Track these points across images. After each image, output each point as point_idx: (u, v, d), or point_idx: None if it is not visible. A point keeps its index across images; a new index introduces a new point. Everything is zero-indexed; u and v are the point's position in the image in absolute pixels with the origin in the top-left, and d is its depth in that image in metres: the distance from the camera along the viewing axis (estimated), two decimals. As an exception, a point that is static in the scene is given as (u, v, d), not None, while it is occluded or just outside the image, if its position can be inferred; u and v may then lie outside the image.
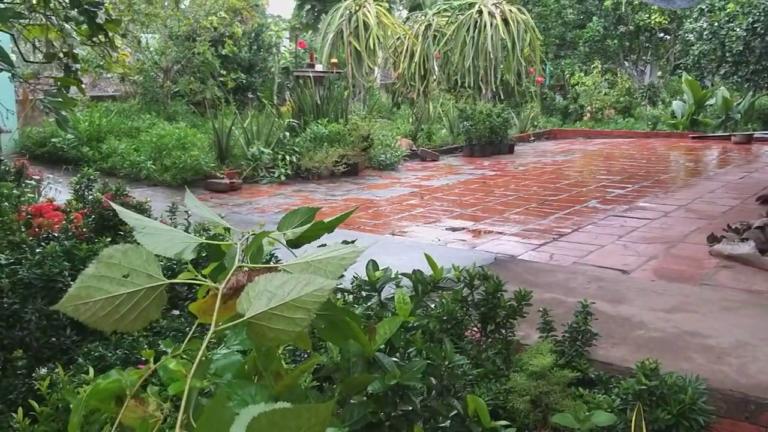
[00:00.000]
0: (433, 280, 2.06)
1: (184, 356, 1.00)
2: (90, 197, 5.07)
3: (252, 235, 1.06)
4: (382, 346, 2.05)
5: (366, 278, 2.06)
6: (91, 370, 2.30)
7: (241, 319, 0.86)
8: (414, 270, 2.11)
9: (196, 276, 0.93)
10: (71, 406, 2.07)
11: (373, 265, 2.03)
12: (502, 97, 16.75)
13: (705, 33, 18.59)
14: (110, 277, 0.84)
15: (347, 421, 1.37)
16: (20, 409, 2.12)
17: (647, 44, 22.01)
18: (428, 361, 2.16)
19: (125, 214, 1.02)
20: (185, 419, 0.79)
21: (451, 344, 2.19)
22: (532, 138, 15.84)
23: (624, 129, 17.12)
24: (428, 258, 2.05)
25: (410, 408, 2.18)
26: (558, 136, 16.84)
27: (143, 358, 2.14)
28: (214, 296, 0.90)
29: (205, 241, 1.04)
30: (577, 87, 19.90)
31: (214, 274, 1.03)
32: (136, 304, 0.87)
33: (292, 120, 10.72)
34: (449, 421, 2.28)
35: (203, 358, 0.80)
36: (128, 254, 0.87)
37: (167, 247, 0.98)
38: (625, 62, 22.21)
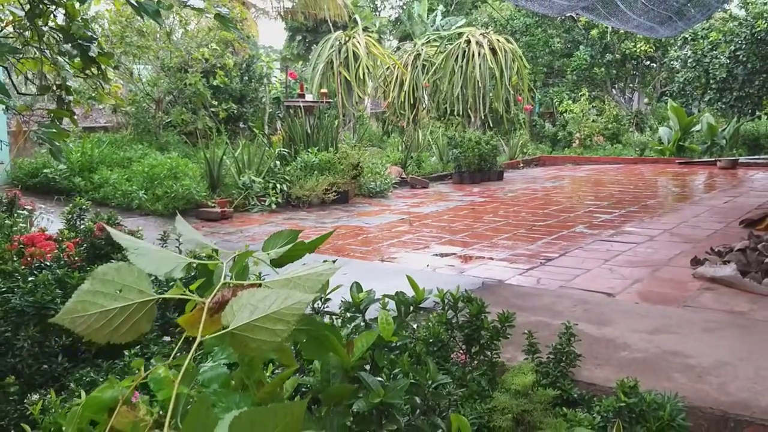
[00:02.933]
0: (416, 301, 2.13)
1: (173, 369, 1.06)
2: (82, 227, 5.13)
3: (237, 255, 1.13)
4: (367, 367, 2.11)
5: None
6: (83, 394, 2.34)
7: (225, 330, 0.93)
8: (397, 292, 2.18)
9: (184, 292, 1.00)
10: (63, 429, 2.12)
11: (357, 287, 2.10)
12: (491, 125, 16.95)
13: (689, 61, 18.96)
14: (104, 292, 0.91)
15: (328, 429, 1.43)
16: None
17: (634, 72, 22.37)
18: (412, 381, 2.22)
19: (119, 236, 1.09)
20: (173, 422, 0.85)
21: (434, 364, 2.25)
22: (522, 165, 16.01)
23: (612, 155, 17.33)
24: (410, 279, 2.13)
25: (395, 427, 2.24)
26: (547, 162, 17.03)
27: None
28: (200, 310, 0.97)
29: (194, 260, 1.12)
30: (565, 114, 20.17)
31: (201, 290, 1.10)
32: (129, 317, 0.94)
33: (282, 149, 10.83)
34: (435, 441, 2.34)
35: (190, 367, 0.87)
36: (121, 271, 0.94)
37: (158, 266, 1.05)
38: (613, 90, 22.54)
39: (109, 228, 1.08)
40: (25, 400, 2.78)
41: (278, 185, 9.81)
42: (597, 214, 8.43)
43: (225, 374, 1.10)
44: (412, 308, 2.12)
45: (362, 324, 2.17)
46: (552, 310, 4.13)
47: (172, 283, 1.07)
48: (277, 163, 10.34)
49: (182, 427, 0.84)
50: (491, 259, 5.99)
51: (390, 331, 2.06)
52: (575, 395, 2.86)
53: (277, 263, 1.21)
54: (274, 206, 9.48)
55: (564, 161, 17.09)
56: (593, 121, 19.50)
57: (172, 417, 0.85)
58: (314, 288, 1.03)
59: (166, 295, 0.97)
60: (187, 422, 0.82)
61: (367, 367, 2.14)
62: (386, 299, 2.21)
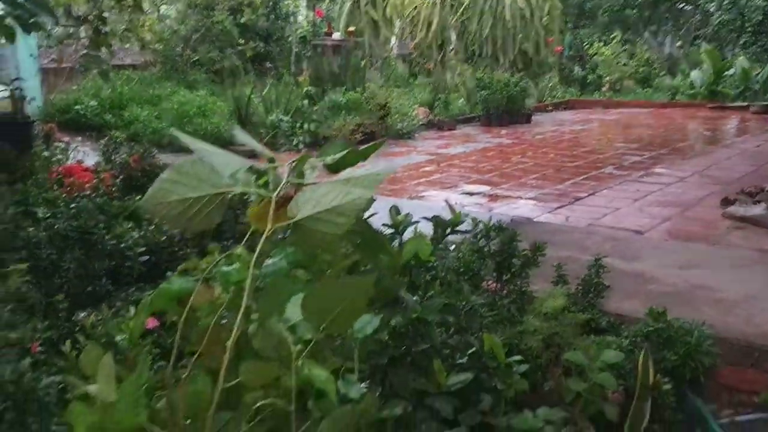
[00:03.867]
0: (453, 223, 2.19)
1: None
2: (117, 160, 5.23)
3: (297, 158, 1.19)
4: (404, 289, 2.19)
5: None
6: (132, 309, 2.45)
7: (291, 220, 0.99)
8: (434, 215, 2.24)
9: (252, 188, 1.06)
10: (116, 339, 2.23)
11: (395, 210, 2.16)
12: (520, 67, 16.67)
13: (725, 3, 18.37)
14: (182, 182, 0.98)
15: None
16: (68, 342, 2.28)
17: (667, 15, 21.76)
18: (446, 302, 2.30)
19: (187, 139, 1.15)
20: (248, 301, 0.93)
21: (468, 286, 2.33)
22: (550, 108, 15.82)
23: (642, 99, 17.03)
24: (447, 203, 2.18)
25: (429, 344, 2.33)
26: (576, 106, 16.80)
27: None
28: (267, 204, 1.04)
29: (256, 163, 1.18)
30: (596, 57, 19.77)
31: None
32: (202, 208, 1.01)
33: (310, 89, 10.81)
34: (466, 358, 2.43)
35: (266, 247, 0.93)
36: (196, 165, 1.00)
37: (225, 167, 1.12)
38: (645, 33, 21.98)
39: (177, 132, 1.14)
40: (73, 317, 2.93)
41: (306, 125, 9.83)
42: (626, 156, 8.37)
43: (286, 268, 1.17)
44: (449, 230, 2.18)
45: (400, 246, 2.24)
46: (581, 245, 4.18)
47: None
48: (305, 102, 10.34)
49: (258, 304, 0.91)
50: (519, 198, 6.02)
51: (428, 251, 2.13)
52: (603, 323, 2.93)
53: (333, 169, 1.27)
54: (301, 146, 9.53)
55: (593, 105, 16.84)
56: (624, 64, 19.09)
57: (248, 296, 0.92)
58: (372, 186, 1.09)
59: (236, 189, 1.03)
60: (263, 298, 0.89)
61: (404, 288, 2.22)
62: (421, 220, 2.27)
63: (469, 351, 2.42)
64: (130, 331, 1.96)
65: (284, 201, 1.05)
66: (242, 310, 0.90)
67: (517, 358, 2.33)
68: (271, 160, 1.26)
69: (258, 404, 0.87)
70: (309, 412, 0.95)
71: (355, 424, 0.89)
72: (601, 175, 7.08)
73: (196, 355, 0.92)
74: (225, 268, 1.10)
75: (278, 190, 1.04)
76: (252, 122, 9.91)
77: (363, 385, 2.46)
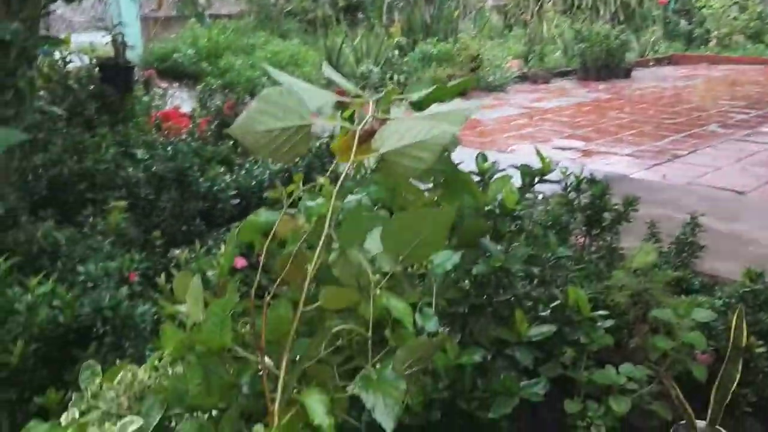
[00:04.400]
0: (541, 172, 2.14)
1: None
2: (212, 106, 5.38)
3: (383, 93, 1.18)
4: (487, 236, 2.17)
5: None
6: (223, 247, 2.53)
7: (374, 153, 0.99)
8: (522, 164, 2.19)
9: (337, 121, 1.07)
10: (208, 273, 2.33)
11: (482, 157, 2.12)
12: (621, 19, 15.94)
13: None
14: (269, 112, 0.99)
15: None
16: (162, 275, 2.39)
17: (787, -38, 20.16)
18: (531, 253, 2.26)
19: (275, 72, 1.16)
20: (329, 230, 0.94)
21: (555, 237, 2.28)
22: (652, 63, 15.10)
23: (753, 55, 15.97)
24: (537, 151, 2.13)
25: (511, 295, 2.31)
26: (680, 61, 15.94)
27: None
28: (351, 136, 1.04)
29: (343, 98, 1.18)
30: (703, 10, 18.63)
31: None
32: (289, 138, 1.02)
33: (400, 39, 10.71)
34: (549, 310, 2.39)
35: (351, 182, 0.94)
36: (284, 96, 1.01)
37: (311, 101, 1.12)
38: (761, -18, 20.48)
39: (268, 67, 1.15)
40: (168, 254, 3.05)
41: (396, 76, 9.78)
42: (731, 114, 7.92)
43: (367, 201, 1.18)
44: (537, 179, 2.13)
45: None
46: (676, 204, 4.01)
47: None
48: (395, 53, 10.26)
49: (339, 233, 0.92)
50: (614, 154, 5.82)
51: (514, 199, 2.10)
52: (696, 284, 2.82)
53: (419, 106, 1.25)
54: (391, 96, 9.50)
55: (699, 60, 15.93)
56: (734, 18, 17.91)
57: (329, 226, 0.93)
58: (458, 122, 1.07)
59: (322, 121, 1.04)
60: (344, 227, 0.90)
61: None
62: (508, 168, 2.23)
63: (553, 303, 2.39)
64: (220, 266, 2.03)
65: (368, 135, 1.05)
66: (323, 238, 0.91)
67: (603, 312, 2.28)
68: (358, 96, 1.26)
69: (336, 329, 0.89)
70: (385, 342, 0.96)
71: (430, 356, 0.90)
72: (703, 132, 6.73)
73: (278, 281, 0.95)
74: (309, 202, 1.12)
75: (363, 123, 1.04)
76: (342, 72, 9.94)
77: (442, 329, 2.49)
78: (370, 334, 0.88)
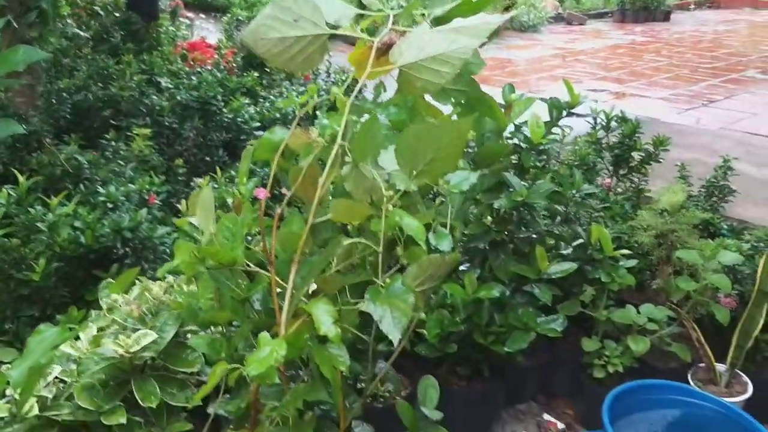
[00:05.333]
0: (569, 106, 2.07)
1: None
2: (238, 38, 5.31)
3: (405, 5, 1.13)
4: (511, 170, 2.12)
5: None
6: (243, 178, 2.51)
7: (392, 67, 0.95)
8: (550, 96, 2.12)
9: (355, 30, 1.02)
10: (227, 201, 2.32)
11: (509, 88, 2.06)
12: (663, -40, 15.33)
13: None
14: (283, 19, 0.95)
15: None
16: (183, 201, 2.39)
17: None
18: (556, 189, 2.21)
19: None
20: (343, 143, 0.91)
21: (580, 174, 2.23)
22: (693, 6, 14.57)
23: (800, 0, 15.32)
24: (566, 82, 2.06)
25: (534, 230, 2.28)
26: (722, 5, 15.37)
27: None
28: (369, 49, 0.99)
29: (362, 11, 1.13)
30: (751, -49, 17.82)
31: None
32: (304, 48, 0.98)
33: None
34: (571, 249, 2.36)
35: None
36: (298, 3, 0.97)
37: (329, 13, 1.07)
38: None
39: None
40: (191, 182, 3.05)
41: (427, 12, 9.56)
42: (773, 60, 7.65)
43: (385, 124, 1.14)
44: (565, 112, 2.07)
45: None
46: (709, 148, 3.90)
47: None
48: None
49: (352, 145, 0.89)
50: (648, 97, 5.66)
51: (540, 134, 2.04)
52: (724, 228, 2.76)
53: (442, 22, 1.20)
54: (421, 34, 9.30)
55: (742, 4, 15.33)
56: (784, -41, 17.12)
57: (343, 137, 0.90)
58: (480, 35, 1.02)
59: (339, 31, 1.00)
60: (357, 139, 0.87)
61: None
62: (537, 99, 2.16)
63: (575, 242, 2.35)
64: (239, 191, 2.02)
65: (387, 47, 1.01)
66: (335, 149, 0.88)
67: (626, 252, 2.24)
68: (378, 9, 1.21)
69: (347, 242, 0.87)
70: (398, 263, 0.94)
71: (442, 274, 0.87)
72: (741, 78, 6.51)
73: (290, 193, 0.92)
74: (324, 120, 1.08)
75: (381, 35, 0.99)
76: (373, 8, 9.74)
77: (463, 267, 2.47)
78: (381, 249, 0.85)
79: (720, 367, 2.39)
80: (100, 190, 2.26)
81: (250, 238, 1.27)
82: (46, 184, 2.46)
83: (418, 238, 0.85)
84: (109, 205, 2.16)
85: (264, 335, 0.77)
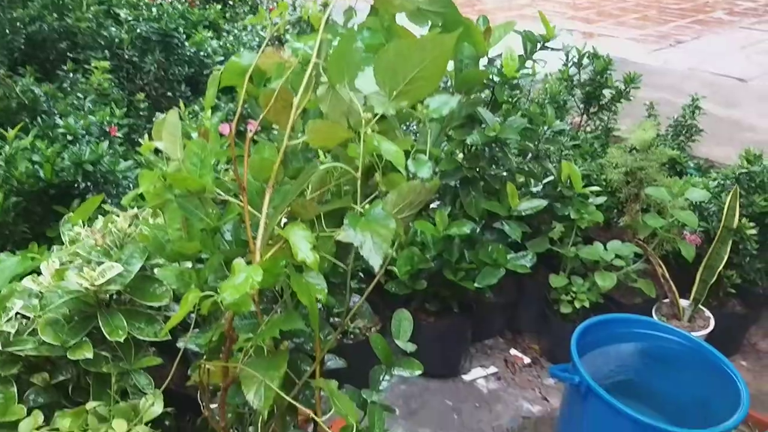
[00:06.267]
0: (544, 38, 2.03)
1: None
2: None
3: None
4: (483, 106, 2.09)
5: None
6: (208, 112, 2.43)
7: (370, -17, 0.89)
8: (525, 30, 2.08)
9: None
10: (191, 135, 2.25)
11: (483, 19, 2.01)
12: None
13: None
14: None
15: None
16: (146, 136, 2.31)
17: None
18: (528, 125, 2.19)
19: None
20: (318, 61, 0.86)
21: (552, 109, 2.21)
22: (661, -53, 14.44)
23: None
24: (541, 15, 2.02)
25: (506, 167, 2.27)
26: (690, -54, 15.27)
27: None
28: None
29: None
30: None
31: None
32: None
33: None
34: (541, 186, 2.36)
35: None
36: None
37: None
38: None
39: None
40: (153, 118, 2.95)
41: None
42: (739, 2, 7.65)
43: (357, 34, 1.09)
44: (539, 46, 2.03)
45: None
46: (677, 88, 3.91)
47: None
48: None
49: (328, 64, 0.84)
50: (616, 37, 5.64)
51: (514, 67, 2.01)
52: (692, 166, 2.78)
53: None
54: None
55: (710, -54, 15.27)
56: None
57: (318, 55, 0.86)
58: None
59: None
60: (333, 57, 0.82)
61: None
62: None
63: (546, 179, 2.35)
64: (205, 121, 1.96)
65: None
66: (310, 68, 0.83)
67: (596, 188, 2.24)
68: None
69: (323, 166, 0.83)
70: (373, 189, 0.91)
71: (422, 201, 0.84)
72: (708, 19, 6.51)
73: (260, 118, 0.88)
74: (295, 43, 1.03)
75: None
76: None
77: (434, 205, 2.46)
78: (359, 174, 0.82)
79: (683, 303, 2.44)
80: (59, 122, 2.17)
81: (218, 169, 1.22)
82: (1, 117, 2.36)
83: (398, 164, 0.82)
84: (69, 138, 2.08)
85: (239, 262, 0.74)
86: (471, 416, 2.35)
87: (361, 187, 0.84)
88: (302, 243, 0.75)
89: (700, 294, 2.37)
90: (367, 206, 0.81)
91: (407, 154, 0.91)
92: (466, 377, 2.55)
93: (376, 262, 0.74)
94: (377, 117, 0.84)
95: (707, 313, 2.43)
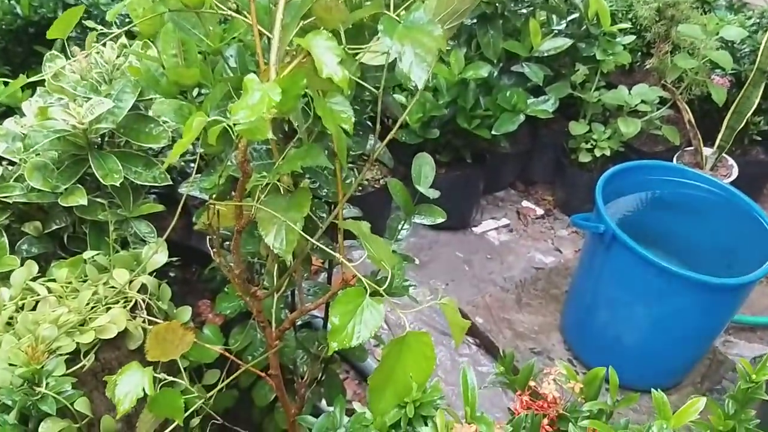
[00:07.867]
0: None
1: None
2: None
3: None
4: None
5: None
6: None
7: None
8: None
9: None
10: None
11: None
12: None
13: None
14: None
15: None
16: None
17: None
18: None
19: None
20: None
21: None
22: None
23: None
24: None
25: (527, 1, 2.07)
26: None
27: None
28: None
29: None
30: None
31: None
32: None
33: None
34: (565, 23, 2.17)
35: None
36: None
37: None
38: None
39: None
40: None
41: None
42: None
43: None
44: None
45: None
46: None
47: None
48: None
49: None
50: None
51: None
52: (723, 4, 2.57)
53: None
54: None
55: None
56: None
57: None
58: None
59: None
60: None
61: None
62: None
63: (571, 16, 2.15)
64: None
65: None
66: None
67: (624, 25, 2.06)
68: None
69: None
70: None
71: (467, 10, 0.70)
72: None
73: None
74: None
75: None
76: None
77: (447, 47, 2.28)
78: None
79: (706, 151, 2.33)
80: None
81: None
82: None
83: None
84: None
85: (251, 78, 0.60)
86: (482, 267, 2.30)
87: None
88: (328, 55, 0.61)
89: (726, 141, 2.25)
90: (403, 12, 0.66)
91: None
92: (477, 229, 2.48)
93: (419, 77, 0.61)
94: None
95: (730, 161, 2.32)
